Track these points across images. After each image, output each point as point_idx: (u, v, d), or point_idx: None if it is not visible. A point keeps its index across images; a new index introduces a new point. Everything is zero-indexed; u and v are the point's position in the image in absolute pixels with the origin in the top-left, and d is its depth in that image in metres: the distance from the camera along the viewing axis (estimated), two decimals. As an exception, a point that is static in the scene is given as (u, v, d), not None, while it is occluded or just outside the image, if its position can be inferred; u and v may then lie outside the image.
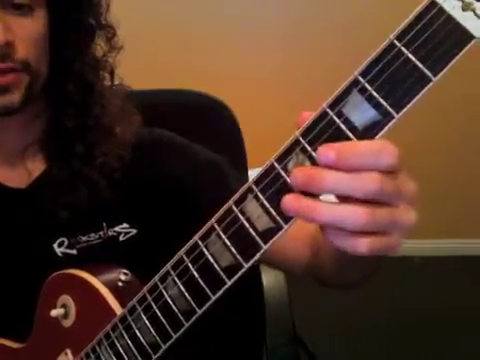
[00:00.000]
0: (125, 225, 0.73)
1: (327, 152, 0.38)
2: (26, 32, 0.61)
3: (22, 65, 0.61)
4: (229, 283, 0.46)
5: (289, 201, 0.40)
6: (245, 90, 2.21)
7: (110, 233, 0.72)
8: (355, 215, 0.38)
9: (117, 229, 0.73)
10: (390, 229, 0.40)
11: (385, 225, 0.40)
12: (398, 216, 0.40)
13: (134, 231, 0.73)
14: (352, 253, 0.40)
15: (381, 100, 0.38)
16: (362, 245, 0.39)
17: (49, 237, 0.71)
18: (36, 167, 0.72)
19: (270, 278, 1.04)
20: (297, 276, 0.74)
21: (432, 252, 2.44)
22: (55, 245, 0.71)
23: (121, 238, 0.73)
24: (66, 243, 0.71)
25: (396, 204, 0.40)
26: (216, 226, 0.46)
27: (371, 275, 0.63)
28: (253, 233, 0.43)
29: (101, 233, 0.72)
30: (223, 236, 0.46)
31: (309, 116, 0.41)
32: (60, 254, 0.71)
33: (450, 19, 0.35)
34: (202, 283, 0.48)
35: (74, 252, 0.71)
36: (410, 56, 0.37)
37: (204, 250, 0.47)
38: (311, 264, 0.67)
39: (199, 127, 0.98)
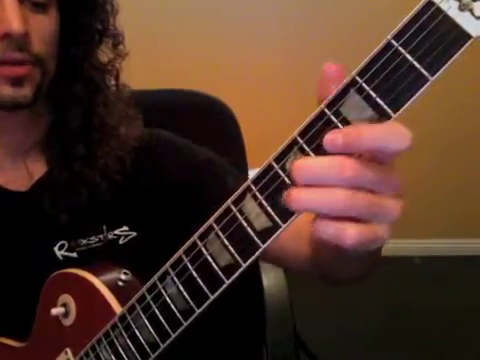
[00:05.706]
0: (125, 228, 0.73)
1: (334, 137, 0.38)
2: (41, 28, 0.62)
3: (36, 59, 0.62)
4: (227, 282, 0.46)
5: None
6: (245, 90, 2.21)
7: (110, 236, 0.72)
8: (333, 198, 0.38)
9: (117, 232, 0.73)
10: (374, 217, 0.39)
11: (367, 211, 0.39)
12: (382, 203, 0.39)
13: (134, 234, 0.73)
14: (338, 244, 0.39)
15: (378, 100, 0.38)
16: (348, 235, 0.38)
17: (50, 240, 0.71)
18: (37, 169, 0.73)
19: (270, 278, 1.04)
20: (298, 272, 0.73)
21: (432, 252, 2.44)
22: (55, 248, 0.71)
23: (121, 241, 0.73)
24: (66, 246, 0.71)
25: (380, 191, 0.39)
26: (215, 225, 0.46)
27: (371, 270, 0.61)
28: (251, 232, 0.44)
29: (101, 236, 0.72)
30: (222, 235, 0.46)
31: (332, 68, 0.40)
32: (60, 257, 0.71)
33: (447, 19, 0.35)
34: (201, 282, 0.48)
35: (74, 255, 0.71)
36: (407, 56, 0.37)
37: (203, 249, 0.47)
38: (311, 259, 0.67)
39: (199, 127, 0.98)
